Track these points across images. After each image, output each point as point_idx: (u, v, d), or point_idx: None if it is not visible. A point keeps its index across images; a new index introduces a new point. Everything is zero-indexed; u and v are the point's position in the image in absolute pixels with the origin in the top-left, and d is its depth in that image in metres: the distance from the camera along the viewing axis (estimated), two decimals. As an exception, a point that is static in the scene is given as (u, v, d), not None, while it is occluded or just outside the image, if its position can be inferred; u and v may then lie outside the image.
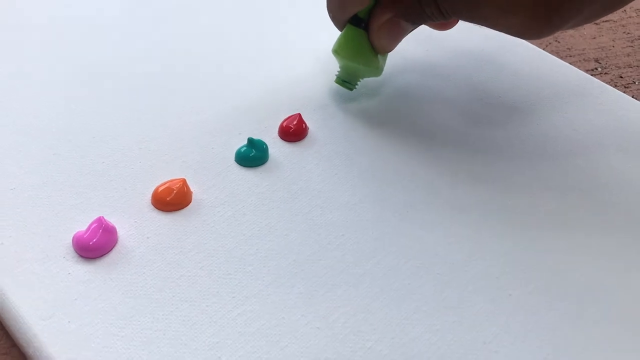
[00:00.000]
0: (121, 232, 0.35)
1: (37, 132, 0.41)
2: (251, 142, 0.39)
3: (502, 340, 0.32)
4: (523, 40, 0.50)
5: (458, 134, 0.43)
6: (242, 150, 0.40)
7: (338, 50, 0.42)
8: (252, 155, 0.39)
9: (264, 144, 0.40)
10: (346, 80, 0.43)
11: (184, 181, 0.37)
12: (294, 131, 0.41)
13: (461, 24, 0.42)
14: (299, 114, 0.42)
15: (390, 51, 0.42)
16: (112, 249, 0.35)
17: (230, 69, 0.47)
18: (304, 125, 0.42)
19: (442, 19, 0.38)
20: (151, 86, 0.45)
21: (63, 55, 0.47)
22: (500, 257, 0.36)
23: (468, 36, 0.51)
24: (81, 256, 0.34)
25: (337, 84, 0.44)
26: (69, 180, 0.38)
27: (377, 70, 0.43)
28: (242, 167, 0.40)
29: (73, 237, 0.34)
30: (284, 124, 0.42)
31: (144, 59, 0.47)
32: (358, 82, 0.44)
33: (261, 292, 0.33)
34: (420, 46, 0.50)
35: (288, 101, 0.44)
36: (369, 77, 0.44)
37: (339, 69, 0.44)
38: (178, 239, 0.35)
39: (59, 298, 0.32)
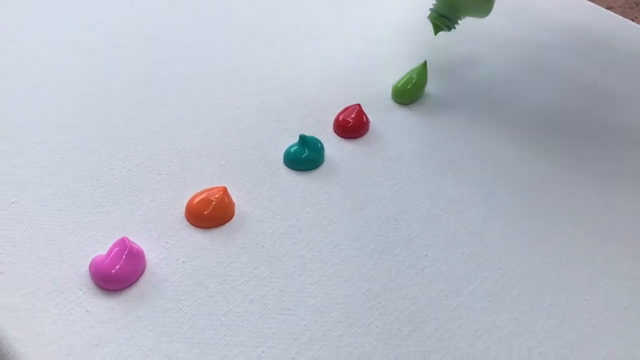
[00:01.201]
0: (150, 256, 0.28)
1: (42, 130, 0.34)
2: (303, 141, 0.33)
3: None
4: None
5: (550, 128, 0.36)
6: (293, 150, 0.33)
7: None
8: (305, 157, 0.32)
9: (319, 142, 0.33)
10: (445, 16, 0.36)
11: (224, 190, 0.30)
12: (352, 126, 0.34)
13: None
14: (358, 105, 0.35)
15: None
16: (139, 277, 0.28)
17: (269, 53, 0.40)
18: (364, 118, 0.35)
19: None
20: (181, 79, 0.38)
21: (82, 56, 0.40)
22: (627, 282, 0.28)
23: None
24: (101, 288, 0.27)
25: (431, 21, 0.36)
26: (84, 190, 0.31)
27: (489, 3, 0.35)
28: (292, 170, 0.33)
29: (91, 264, 0.28)
30: (341, 117, 0.35)
31: (175, 45, 0.40)
32: (459, 21, 0.36)
33: (329, 333, 0.26)
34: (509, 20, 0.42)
35: (344, 90, 0.37)
36: (475, 14, 0.36)
37: (436, 0, 0.36)
38: (220, 264, 0.28)
39: (76, 344, 0.26)
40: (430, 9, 0.36)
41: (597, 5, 0.45)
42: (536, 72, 0.40)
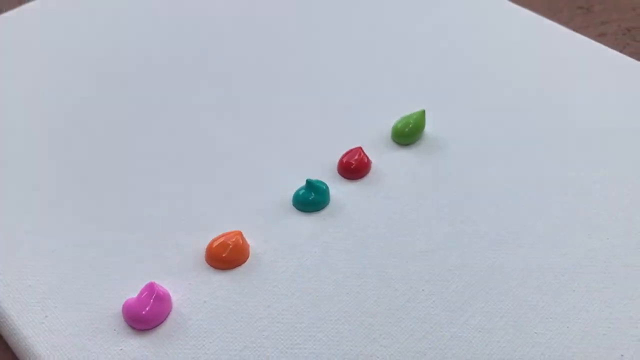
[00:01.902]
0: (175, 297, 0.32)
1: (75, 184, 0.37)
2: (310, 185, 0.35)
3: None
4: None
5: (549, 165, 0.38)
6: (301, 193, 0.36)
7: None
8: (312, 199, 0.35)
9: (324, 185, 0.36)
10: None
11: (239, 234, 0.33)
12: (355, 167, 0.37)
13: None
14: (360, 148, 0.38)
15: None
16: (166, 317, 0.31)
17: (279, 100, 0.43)
18: (366, 159, 0.37)
19: None
20: (194, 123, 0.41)
21: (101, 99, 0.43)
22: (606, 309, 0.31)
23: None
24: (133, 328, 0.31)
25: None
26: (115, 238, 0.34)
27: None
28: (301, 212, 0.36)
29: (123, 306, 0.31)
30: (344, 159, 0.37)
31: (186, 93, 0.43)
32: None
33: (336, 365, 0.29)
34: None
35: (346, 132, 0.40)
36: None
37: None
38: (238, 302, 0.32)
39: (113, 381, 0.29)
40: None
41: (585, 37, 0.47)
42: (524, 110, 0.42)
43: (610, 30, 0.50)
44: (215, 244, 0.33)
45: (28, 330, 0.31)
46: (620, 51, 0.47)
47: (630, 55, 0.46)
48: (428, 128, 0.40)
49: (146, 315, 0.30)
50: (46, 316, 0.31)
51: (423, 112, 0.39)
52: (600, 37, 0.49)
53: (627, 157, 0.38)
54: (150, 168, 0.38)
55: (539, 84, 0.43)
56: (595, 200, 0.36)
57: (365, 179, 0.37)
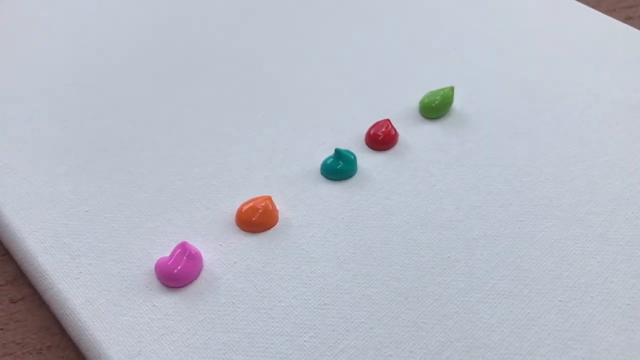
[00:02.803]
0: (206, 257, 0.32)
1: (109, 149, 0.38)
2: (338, 154, 0.36)
3: (643, 380, 0.28)
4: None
5: (573, 142, 0.38)
6: (329, 162, 0.36)
7: None
8: (340, 168, 0.36)
9: (352, 154, 0.36)
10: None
11: (269, 199, 0.34)
12: (383, 139, 0.38)
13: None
14: (388, 120, 0.38)
15: None
16: (197, 276, 0.32)
17: (307, 72, 0.43)
18: (393, 131, 0.38)
19: None
20: (227, 98, 0.42)
21: (133, 69, 0.44)
22: (630, 279, 0.31)
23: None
24: (165, 285, 0.31)
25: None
26: (147, 199, 0.35)
27: None
28: (329, 180, 0.36)
29: (156, 265, 0.32)
30: (372, 131, 0.38)
31: (215, 64, 0.44)
32: None
33: (363, 325, 0.30)
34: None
35: (375, 105, 0.41)
36: None
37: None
38: (267, 264, 0.32)
39: (145, 334, 0.29)
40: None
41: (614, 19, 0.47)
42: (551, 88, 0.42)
43: (637, 14, 0.50)
44: (245, 207, 0.34)
45: (63, 284, 0.31)
46: (648, 34, 0.47)
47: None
48: (457, 103, 0.40)
49: (178, 274, 0.31)
50: (81, 272, 0.32)
51: (452, 88, 0.40)
52: (627, 20, 0.49)
53: (654, 136, 0.38)
54: (183, 135, 0.39)
55: (565, 63, 0.44)
56: (621, 176, 0.36)
57: (392, 151, 0.38)
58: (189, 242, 0.33)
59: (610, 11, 0.50)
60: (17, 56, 0.45)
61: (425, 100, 0.40)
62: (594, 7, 0.50)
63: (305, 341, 0.29)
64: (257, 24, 0.47)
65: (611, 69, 0.43)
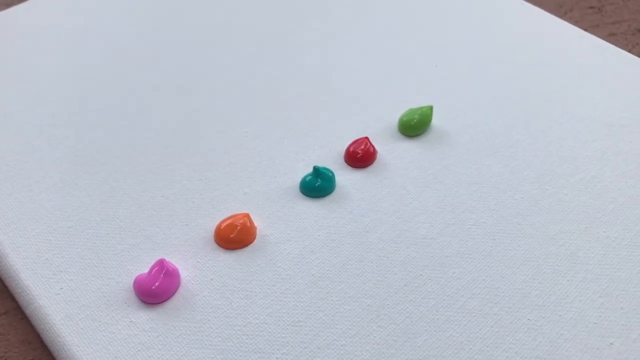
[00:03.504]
0: (184, 274, 0.33)
1: (94, 163, 0.39)
2: (317, 171, 0.37)
3: (607, 399, 0.28)
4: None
5: (549, 158, 0.39)
6: (307, 179, 0.37)
7: None
8: (318, 185, 0.37)
9: (330, 172, 0.37)
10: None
11: (247, 216, 0.35)
12: (362, 157, 0.38)
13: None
14: (367, 138, 0.39)
15: None
16: (174, 293, 0.33)
17: (289, 90, 0.44)
18: (372, 149, 0.39)
19: None
20: (208, 111, 0.43)
21: (120, 82, 0.45)
22: (599, 298, 0.32)
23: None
24: (143, 301, 0.32)
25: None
26: (129, 216, 0.36)
27: None
28: (307, 197, 0.37)
29: (134, 281, 0.33)
30: (351, 148, 0.39)
31: (199, 82, 0.45)
32: None
33: (335, 342, 0.30)
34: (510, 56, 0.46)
35: (354, 122, 0.41)
36: None
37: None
38: (243, 281, 0.33)
39: (122, 350, 0.30)
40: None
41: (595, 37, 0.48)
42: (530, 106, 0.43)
43: (620, 30, 0.51)
44: (224, 224, 0.35)
45: (44, 300, 0.32)
46: (629, 51, 0.48)
47: (639, 55, 0.47)
48: (436, 121, 0.41)
49: (156, 290, 0.32)
50: (62, 288, 0.33)
51: (430, 107, 0.40)
52: (610, 37, 0.50)
53: (629, 153, 0.39)
54: (165, 151, 0.40)
55: (546, 81, 0.44)
56: (595, 195, 0.37)
57: (371, 168, 0.38)
58: (167, 258, 0.33)
59: (593, 27, 0.51)
60: (2, 72, 0.46)
61: (404, 119, 0.40)
62: (576, 22, 0.51)
63: (277, 358, 0.30)
64: (239, 44, 0.48)
65: (590, 87, 0.44)
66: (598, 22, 0.52)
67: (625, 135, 0.40)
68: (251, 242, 0.35)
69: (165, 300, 0.32)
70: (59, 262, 0.34)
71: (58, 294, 0.33)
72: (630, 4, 0.53)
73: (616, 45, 0.47)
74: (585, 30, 0.49)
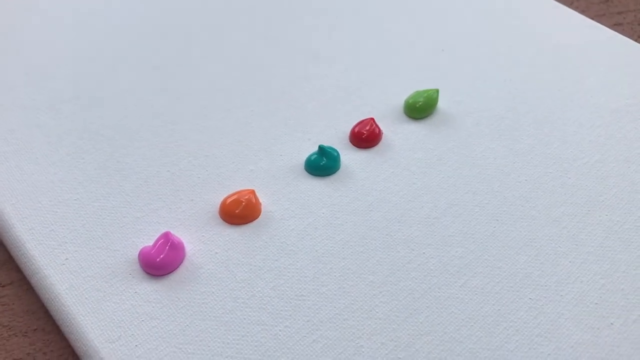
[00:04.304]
0: (189, 247, 0.33)
1: (101, 138, 0.39)
2: (322, 150, 0.37)
3: (606, 377, 0.29)
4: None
5: (553, 143, 0.39)
6: (313, 158, 0.37)
7: None
8: (323, 164, 0.37)
9: (336, 151, 0.37)
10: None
11: (253, 192, 0.35)
12: (367, 137, 0.38)
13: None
14: (372, 119, 0.39)
15: None
16: (179, 265, 0.33)
17: (296, 69, 0.44)
18: (377, 130, 0.39)
19: None
20: (215, 90, 0.43)
21: (128, 59, 0.45)
22: (600, 279, 0.32)
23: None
24: (148, 273, 0.32)
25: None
26: (134, 190, 0.36)
27: None
28: (312, 176, 0.37)
29: (139, 253, 0.33)
30: (356, 129, 0.39)
31: (207, 61, 0.45)
32: None
33: (337, 317, 0.31)
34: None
35: (360, 104, 0.41)
36: None
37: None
38: (247, 255, 0.33)
39: (126, 319, 0.30)
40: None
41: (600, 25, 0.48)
42: (533, 95, 0.43)
43: (626, 20, 0.51)
44: (229, 200, 0.35)
45: (49, 270, 0.32)
46: (636, 40, 0.48)
47: (645, 44, 0.47)
48: (442, 103, 0.41)
49: (160, 262, 0.32)
50: (67, 258, 0.33)
51: (436, 90, 0.41)
52: (616, 27, 0.50)
53: (633, 139, 0.39)
54: (173, 127, 0.40)
55: (552, 67, 0.44)
56: (598, 179, 0.37)
57: (376, 149, 0.39)
58: (172, 232, 0.34)
59: (599, 16, 0.51)
60: (10, 47, 0.46)
61: (410, 101, 0.40)
62: (582, 11, 0.51)
63: (280, 330, 0.30)
64: (247, 23, 0.48)
65: (595, 74, 0.44)
66: (604, 11, 0.52)
67: (629, 122, 0.40)
68: (256, 218, 0.35)
69: (169, 273, 0.32)
70: (65, 233, 0.34)
71: (63, 264, 0.33)
72: (637, -6, 0.53)
73: (622, 34, 0.48)
74: (592, 19, 0.49)
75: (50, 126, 0.40)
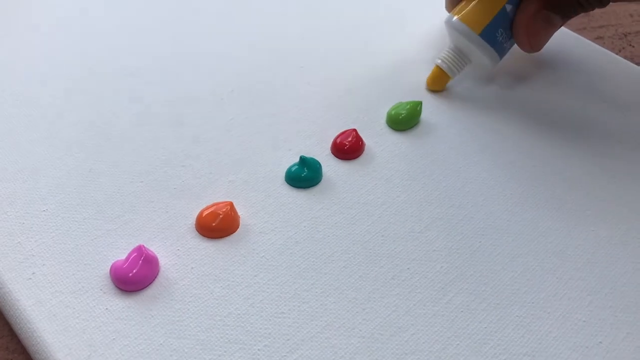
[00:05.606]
0: (163, 262, 0.32)
1: (72, 146, 0.37)
2: (303, 161, 0.36)
3: (595, 398, 0.28)
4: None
5: (535, 157, 0.39)
6: (293, 169, 0.36)
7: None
8: (304, 176, 0.36)
9: (317, 162, 0.36)
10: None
11: (231, 205, 0.34)
12: (349, 148, 0.37)
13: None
14: (355, 130, 0.38)
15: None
16: (153, 281, 0.31)
17: (278, 78, 0.43)
18: (360, 142, 0.38)
19: (599, 6, 0.36)
20: (194, 97, 0.41)
21: (103, 65, 0.44)
22: (587, 296, 0.31)
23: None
24: (120, 289, 0.31)
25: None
26: (107, 200, 0.35)
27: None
28: (293, 187, 0.36)
29: (111, 268, 0.31)
30: (338, 140, 0.38)
31: (184, 68, 0.44)
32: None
33: (318, 335, 0.29)
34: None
35: (342, 114, 0.40)
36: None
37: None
38: (225, 270, 0.32)
39: (96, 338, 0.29)
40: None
41: (582, 37, 0.48)
42: (518, 105, 0.43)
43: (607, 34, 0.51)
44: (206, 213, 0.34)
45: (14, 285, 0.31)
46: (616, 54, 0.48)
47: (625, 58, 0.47)
48: (426, 115, 0.40)
49: (133, 277, 0.31)
50: (34, 273, 0.31)
51: (419, 103, 0.40)
52: (597, 40, 0.50)
53: (613, 152, 0.39)
54: (148, 134, 0.38)
55: (534, 79, 0.44)
56: (583, 192, 0.36)
57: (358, 160, 0.38)
58: (146, 245, 0.32)
59: (580, 30, 0.51)
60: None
61: (392, 112, 0.39)
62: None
63: (259, 350, 0.29)
64: (227, 31, 0.47)
65: (579, 86, 0.43)
66: (585, 25, 0.52)
67: (610, 134, 0.40)
68: (234, 232, 0.34)
69: (143, 288, 0.31)
70: (32, 246, 0.32)
71: (30, 278, 0.31)
72: (617, 8, 0.53)
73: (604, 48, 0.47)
74: (573, 32, 0.49)
75: (19, 132, 0.38)
